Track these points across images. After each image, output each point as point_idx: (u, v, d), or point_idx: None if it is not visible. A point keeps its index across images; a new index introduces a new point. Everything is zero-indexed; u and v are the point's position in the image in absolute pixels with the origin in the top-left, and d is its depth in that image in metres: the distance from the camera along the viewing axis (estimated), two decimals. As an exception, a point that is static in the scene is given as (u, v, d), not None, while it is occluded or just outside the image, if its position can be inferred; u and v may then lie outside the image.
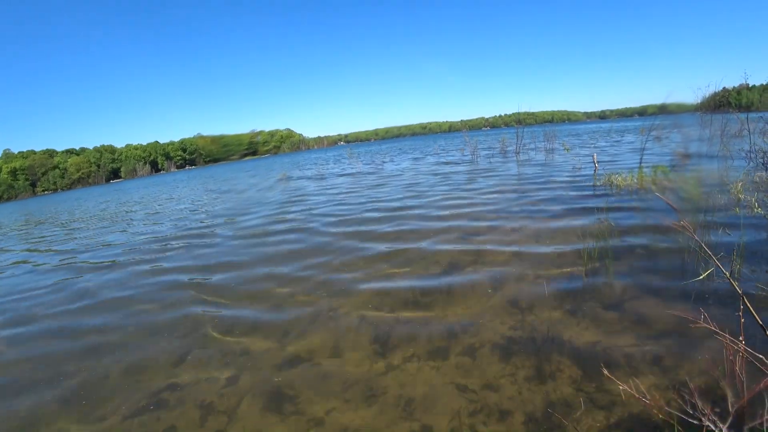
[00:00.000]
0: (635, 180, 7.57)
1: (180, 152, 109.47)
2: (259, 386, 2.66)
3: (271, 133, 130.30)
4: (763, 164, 7.51)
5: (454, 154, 22.61)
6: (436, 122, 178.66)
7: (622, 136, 23.65)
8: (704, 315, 1.74)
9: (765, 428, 1.58)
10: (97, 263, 6.74)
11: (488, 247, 4.83)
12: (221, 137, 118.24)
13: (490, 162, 15.21)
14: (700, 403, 1.70)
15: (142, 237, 8.58)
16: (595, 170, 9.84)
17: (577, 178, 9.08)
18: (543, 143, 20.23)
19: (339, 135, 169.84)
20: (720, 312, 2.79)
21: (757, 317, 1.62)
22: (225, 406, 2.51)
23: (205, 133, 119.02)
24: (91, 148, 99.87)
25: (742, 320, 1.78)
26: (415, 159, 22.20)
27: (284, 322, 3.55)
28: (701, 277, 3.27)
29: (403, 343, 2.94)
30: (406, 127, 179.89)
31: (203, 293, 4.53)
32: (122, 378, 3.02)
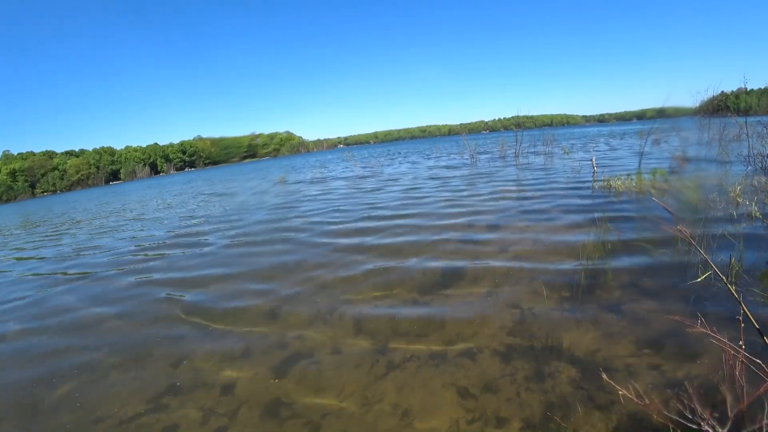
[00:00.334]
0: (634, 184, 7.59)
1: (179, 154, 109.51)
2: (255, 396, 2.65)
3: (271, 136, 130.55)
4: (761, 168, 7.53)
5: (454, 157, 22.61)
6: (436, 125, 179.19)
7: (621, 140, 23.69)
8: (701, 320, 1.74)
9: (764, 433, 1.58)
10: (77, 273, 6.36)
11: (487, 250, 4.83)
12: (221, 139, 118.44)
13: (490, 165, 15.21)
14: (699, 408, 1.70)
15: (131, 243, 8.31)
16: (594, 174, 9.86)
17: (576, 182, 9.08)
18: (542, 147, 20.28)
19: (338, 138, 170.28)
20: (719, 316, 2.79)
21: (754, 322, 1.62)
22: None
23: (204, 135, 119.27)
24: (90, 149, 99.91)
25: (742, 325, 1.78)
26: (414, 162, 22.16)
27: (268, 346, 3.23)
28: (699, 280, 3.28)
29: (402, 349, 2.93)
30: (405, 130, 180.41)
31: (183, 310, 4.17)
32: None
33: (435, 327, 3.17)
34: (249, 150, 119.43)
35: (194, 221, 10.24)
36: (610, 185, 7.85)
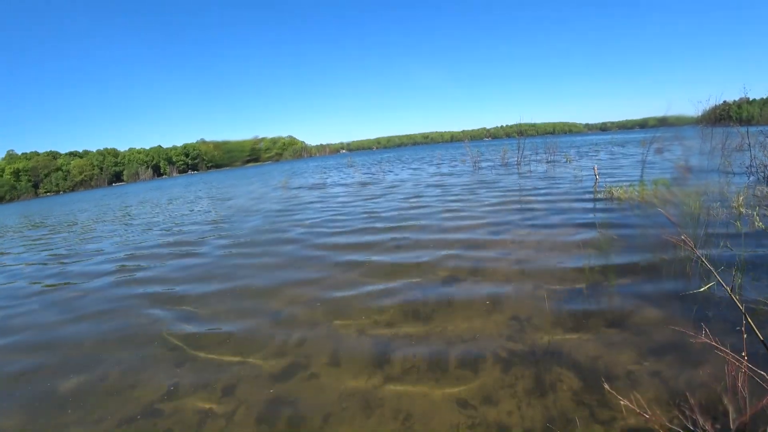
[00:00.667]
0: (636, 193, 7.58)
1: (183, 157, 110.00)
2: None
3: (274, 140, 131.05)
4: (764, 178, 7.53)
5: (455, 164, 22.65)
6: (438, 132, 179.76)
7: (624, 148, 23.70)
8: (705, 330, 1.73)
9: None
10: (58, 283, 6.10)
11: (488, 259, 4.82)
12: (224, 143, 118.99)
13: (492, 173, 15.21)
14: (701, 419, 1.68)
15: (121, 250, 8.04)
16: (595, 182, 9.86)
17: (578, 190, 9.08)
18: (544, 155, 20.32)
19: (341, 143, 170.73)
20: (722, 326, 2.77)
21: (758, 333, 1.61)
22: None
23: (208, 139, 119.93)
24: (94, 150, 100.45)
25: (745, 335, 1.77)
26: (416, 169, 22.15)
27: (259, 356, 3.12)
28: (702, 290, 3.26)
29: (402, 360, 2.92)
30: (407, 136, 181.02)
31: (173, 324, 3.95)
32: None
33: (435, 335, 3.16)
34: (252, 154, 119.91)
35: (189, 227, 10.08)
36: (612, 193, 7.84)
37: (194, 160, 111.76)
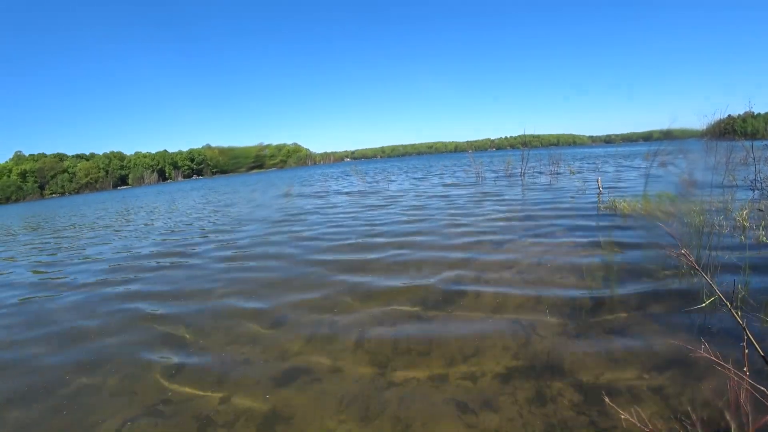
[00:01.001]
0: (640, 206, 7.56)
1: (188, 162, 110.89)
2: None
3: (279, 147, 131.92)
4: (768, 194, 7.49)
5: (459, 175, 22.66)
6: (443, 142, 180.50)
7: (627, 161, 23.69)
8: (705, 345, 1.72)
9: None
10: (52, 287, 6.03)
11: (489, 271, 4.81)
12: (229, 149, 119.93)
13: (495, 184, 15.21)
14: (702, 435, 1.67)
15: (117, 255, 7.94)
16: (599, 195, 9.85)
17: (582, 203, 9.07)
18: (548, 166, 20.33)
19: (346, 151, 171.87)
20: (724, 341, 2.75)
21: (759, 349, 1.60)
22: None
23: (213, 144, 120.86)
24: (100, 153, 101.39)
25: (746, 351, 1.76)
26: (420, 179, 22.11)
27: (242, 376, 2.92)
28: (704, 305, 3.24)
29: (403, 369, 2.91)
30: (412, 146, 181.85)
31: (155, 340, 3.73)
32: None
33: (437, 347, 3.15)
34: (256, 160, 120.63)
35: (188, 233, 9.99)
36: (616, 206, 7.83)
37: (199, 166, 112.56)
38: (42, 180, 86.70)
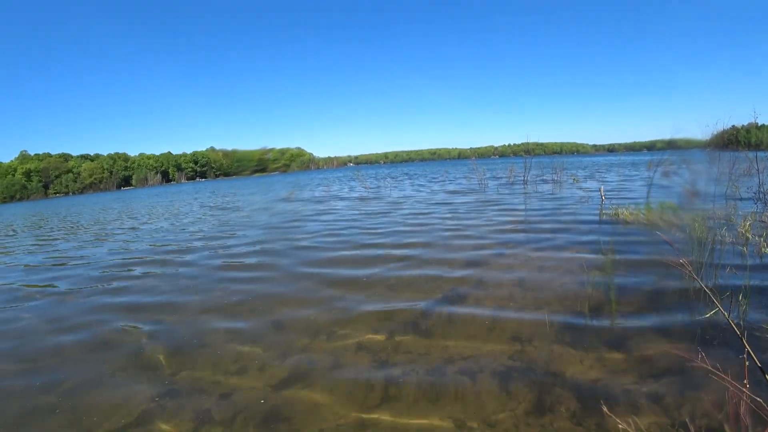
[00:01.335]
0: (642, 215, 7.55)
1: (191, 164, 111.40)
2: None
3: (282, 151, 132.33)
4: (772, 205, 7.46)
5: (461, 182, 22.65)
6: (446, 149, 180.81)
7: (630, 170, 23.67)
8: (701, 355, 1.71)
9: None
10: (35, 291, 5.88)
11: (490, 278, 4.80)
12: (233, 152, 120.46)
13: (498, 192, 15.19)
14: (700, 447, 1.65)
15: (109, 258, 7.85)
16: (601, 203, 9.84)
17: (585, 211, 9.05)
18: (551, 174, 20.32)
19: (349, 156, 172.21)
20: (725, 352, 2.73)
21: (757, 361, 1.59)
22: None
23: (218, 147, 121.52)
24: (105, 154, 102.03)
25: (746, 363, 1.75)
26: (422, 186, 22.04)
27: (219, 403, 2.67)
28: (706, 316, 3.22)
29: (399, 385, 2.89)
30: (415, 152, 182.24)
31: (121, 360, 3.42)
32: None
33: (436, 350, 3.14)
34: (259, 164, 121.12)
35: (184, 237, 9.83)
36: (618, 215, 7.81)
37: (203, 168, 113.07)
38: (46, 179, 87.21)
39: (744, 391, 1.64)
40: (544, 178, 19.76)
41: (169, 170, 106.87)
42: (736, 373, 1.92)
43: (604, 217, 8.12)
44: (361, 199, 16.44)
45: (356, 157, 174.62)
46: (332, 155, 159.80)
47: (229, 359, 3.28)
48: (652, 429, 2.05)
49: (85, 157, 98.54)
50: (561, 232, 6.96)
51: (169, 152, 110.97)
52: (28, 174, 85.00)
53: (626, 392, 2.41)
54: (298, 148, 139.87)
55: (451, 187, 18.93)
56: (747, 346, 1.55)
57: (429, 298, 4.22)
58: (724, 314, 1.66)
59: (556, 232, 6.99)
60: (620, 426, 1.91)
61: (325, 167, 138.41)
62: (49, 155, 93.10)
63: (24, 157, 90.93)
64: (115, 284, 5.92)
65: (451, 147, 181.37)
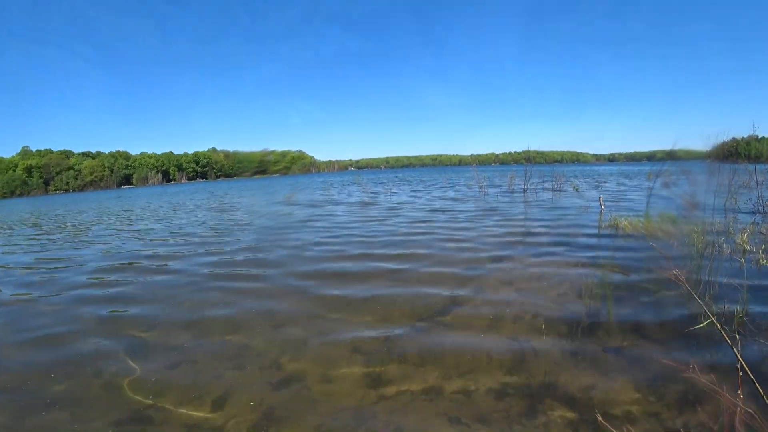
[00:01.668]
0: (641, 225, 7.56)
1: (192, 164, 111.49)
2: None
3: (283, 153, 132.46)
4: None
5: (461, 188, 22.65)
6: (447, 155, 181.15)
7: (631, 180, 23.72)
8: (693, 367, 1.71)
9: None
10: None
11: (487, 283, 4.80)
12: (235, 153, 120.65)
13: (498, 200, 15.18)
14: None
15: (94, 260, 7.53)
16: (601, 212, 9.85)
17: (584, 221, 9.06)
18: (551, 183, 20.37)
19: (350, 160, 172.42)
20: (721, 364, 2.72)
21: (749, 372, 1.59)
22: None
23: (219, 148, 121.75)
24: (107, 152, 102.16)
25: (740, 374, 1.75)
26: (422, 192, 21.95)
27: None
28: (701, 326, 3.22)
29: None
30: (416, 157, 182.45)
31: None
32: None
33: (433, 359, 3.14)
34: (260, 166, 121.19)
35: (174, 240, 9.51)
36: (617, 224, 7.82)
37: (203, 168, 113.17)
38: (47, 176, 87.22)
39: (738, 403, 1.64)
40: (545, 186, 19.79)
41: (170, 170, 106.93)
42: (733, 385, 1.92)
43: (604, 226, 8.13)
44: (361, 203, 16.30)
45: (357, 162, 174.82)
46: (333, 159, 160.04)
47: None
48: (646, 439, 2.05)
49: (86, 155, 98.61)
50: (559, 240, 6.95)
51: (171, 152, 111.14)
52: (29, 170, 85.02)
53: (620, 402, 2.41)
54: (300, 151, 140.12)
55: (451, 194, 18.90)
56: (739, 358, 1.55)
57: (418, 319, 4.04)
58: (717, 326, 1.66)
59: (554, 240, 6.98)
60: (614, 435, 1.91)
61: (326, 171, 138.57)
62: (51, 151, 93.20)
63: (25, 153, 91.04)
64: (89, 292, 5.41)
65: (452, 153, 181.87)
